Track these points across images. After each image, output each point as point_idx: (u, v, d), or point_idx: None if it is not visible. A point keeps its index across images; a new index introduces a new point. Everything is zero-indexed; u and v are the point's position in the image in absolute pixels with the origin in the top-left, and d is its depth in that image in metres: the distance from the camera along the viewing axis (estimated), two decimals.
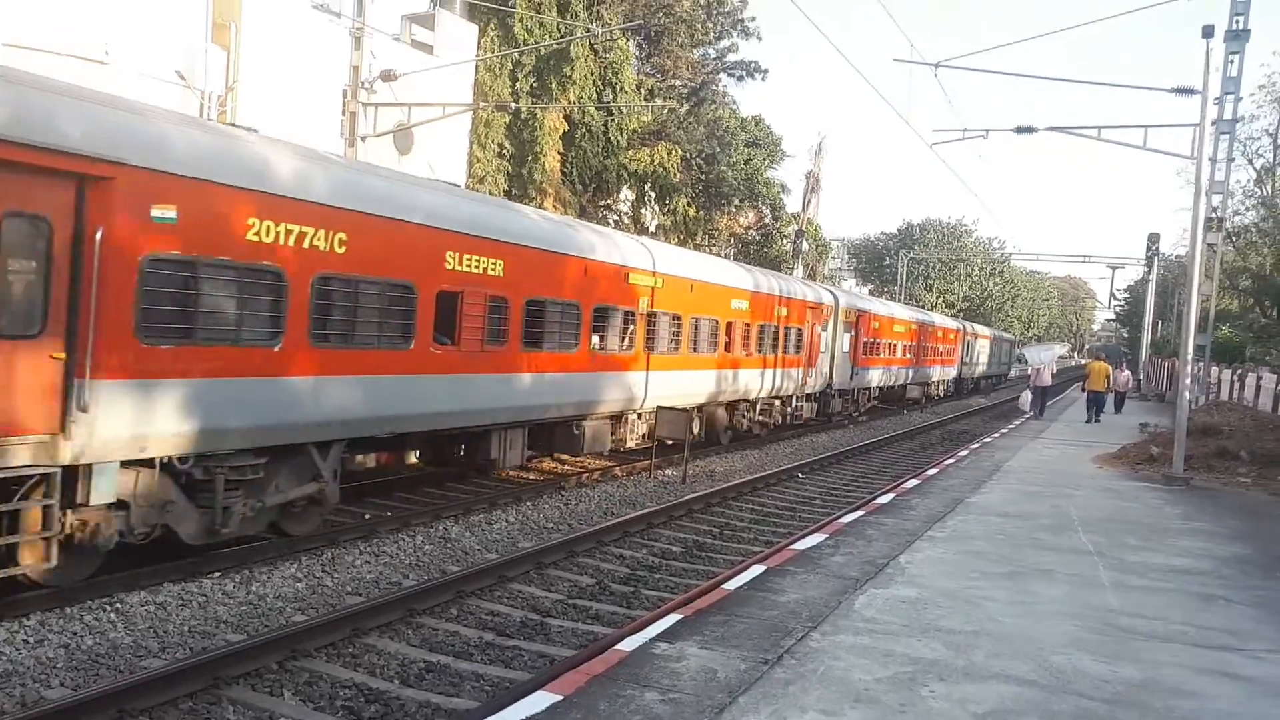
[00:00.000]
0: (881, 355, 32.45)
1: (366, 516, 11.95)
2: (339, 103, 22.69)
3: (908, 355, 36.28)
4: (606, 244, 15.59)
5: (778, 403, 23.88)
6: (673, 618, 6.93)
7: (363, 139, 21.95)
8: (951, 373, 45.34)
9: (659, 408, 17.35)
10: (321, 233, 9.53)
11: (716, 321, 19.32)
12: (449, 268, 11.44)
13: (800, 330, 24.32)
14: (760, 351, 21.73)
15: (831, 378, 27.42)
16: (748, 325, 20.88)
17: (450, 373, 11.56)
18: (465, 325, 11.72)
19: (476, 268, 11.88)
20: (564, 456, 16.77)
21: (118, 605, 8.06)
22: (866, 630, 6.81)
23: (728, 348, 19.89)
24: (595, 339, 14.97)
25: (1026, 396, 32.64)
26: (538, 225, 13.86)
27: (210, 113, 20.41)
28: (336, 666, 7.29)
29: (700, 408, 19.31)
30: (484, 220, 12.34)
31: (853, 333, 29.05)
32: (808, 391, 25.71)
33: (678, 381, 17.79)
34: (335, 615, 8.00)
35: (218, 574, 9.14)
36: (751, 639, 6.46)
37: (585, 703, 5.23)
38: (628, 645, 6.25)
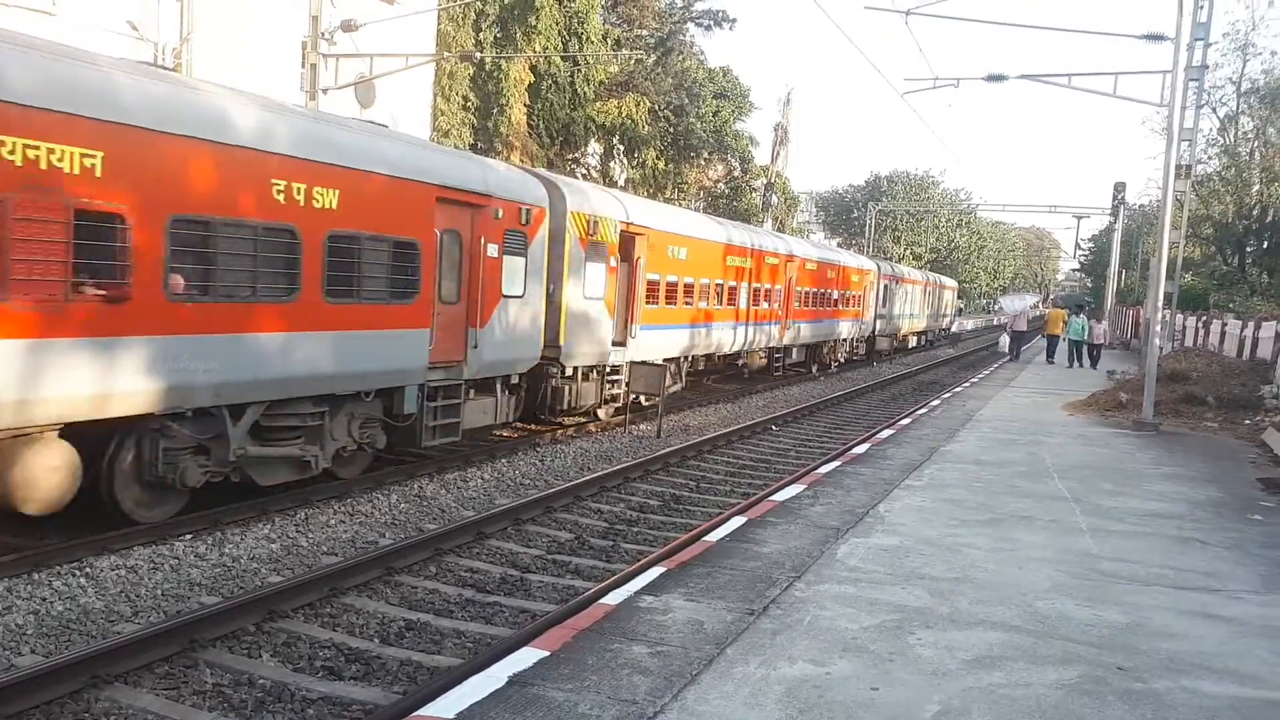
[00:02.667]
0: (676, 304, 18.95)
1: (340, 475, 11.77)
2: (298, 54, 22.09)
3: (761, 304, 23.88)
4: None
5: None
6: (656, 570, 6.87)
7: (324, 91, 21.39)
8: (859, 328, 33.98)
9: (632, 363, 17.23)
10: None
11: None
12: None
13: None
14: None
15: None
16: None
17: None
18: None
19: None
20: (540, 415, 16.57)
21: (87, 570, 7.87)
22: (850, 579, 6.79)
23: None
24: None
25: (1004, 340, 38.97)
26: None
27: (166, 64, 19.77)
28: (315, 627, 7.18)
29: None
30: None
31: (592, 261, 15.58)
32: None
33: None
34: (312, 575, 7.87)
35: (189, 536, 8.95)
36: (736, 590, 6.41)
37: (572, 657, 5.15)
38: (612, 599, 6.18)
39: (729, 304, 21.49)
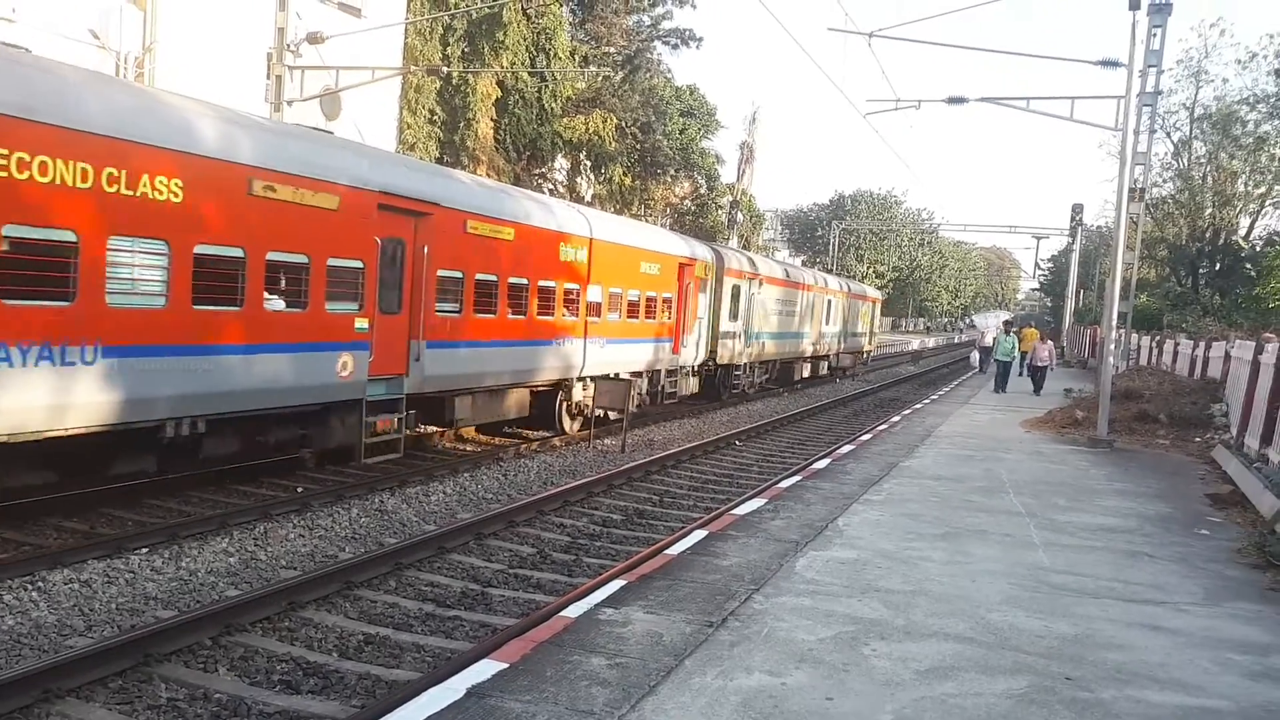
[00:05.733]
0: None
1: (299, 490, 11.71)
2: (264, 66, 21.99)
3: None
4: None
5: None
6: (617, 583, 6.90)
7: (289, 103, 21.32)
8: (656, 356, 19.97)
9: (594, 378, 17.32)
10: None
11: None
12: None
13: None
14: None
15: None
16: None
17: None
18: None
19: None
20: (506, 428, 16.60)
21: (39, 584, 7.77)
22: (808, 592, 6.87)
23: None
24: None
25: (975, 356, 36.32)
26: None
27: (128, 74, 19.61)
28: (273, 641, 7.13)
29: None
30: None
31: None
32: None
33: None
34: (270, 589, 7.82)
35: (145, 550, 8.85)
36: (695, 602, 6.47)
37: (532, 669, 5.18)
38: (572, 612, 6.21)
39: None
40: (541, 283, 15.25)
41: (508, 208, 14.68)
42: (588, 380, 17.17)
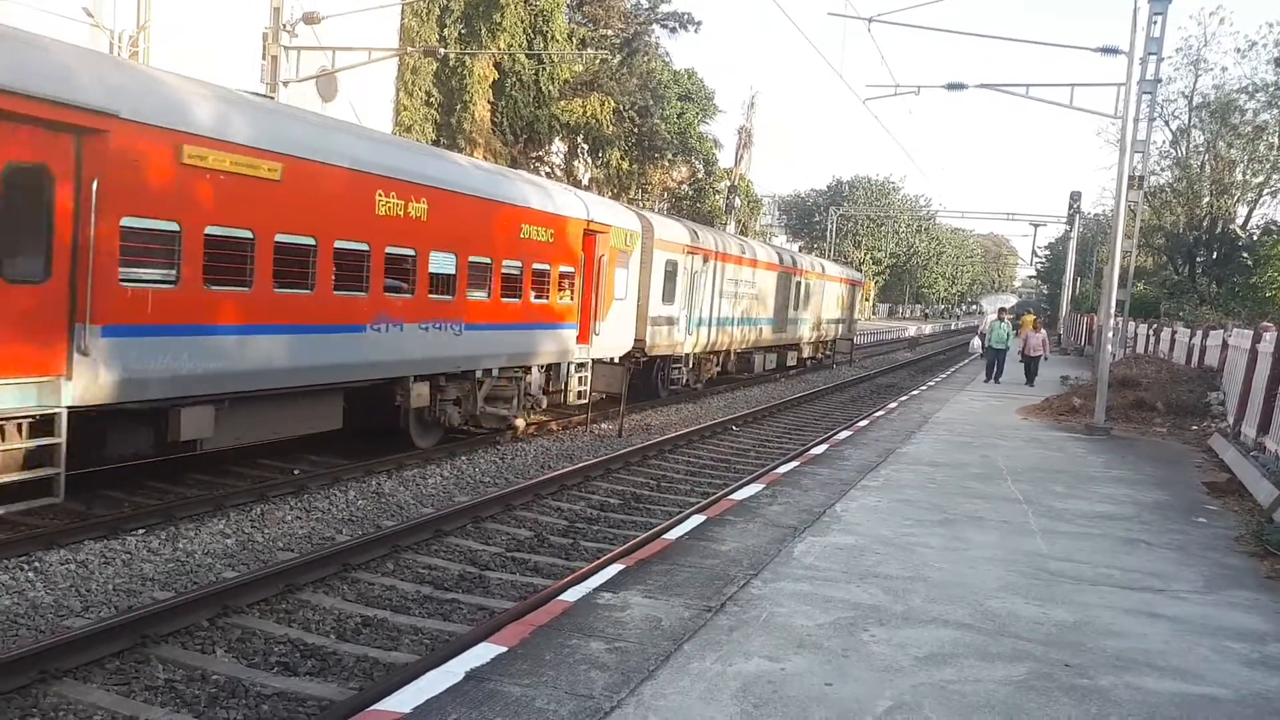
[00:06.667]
0: None
1: (295, 472, 11.68)
2: (259, 46, 21.82)
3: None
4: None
5: None
6: (615, 568, 6.90)
7: (284, 84, 21.18)
8: (587, 348, 16.94)
9: (594, 361, 17.26)
10: None
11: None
12: None
13: None
14: None
15: None
16: None
17: None
18: None
19: None
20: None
21: (35, 564, 7.74)
22: (806, 577, 6.87)
23: None
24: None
25: (975, 343, 33.24)
26: None
27: (122, 53, 19.46)
28: (270, 623, 7.12)
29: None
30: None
31: None
32: None
33: None
34: (267, 571, 7.80)
35: (141, 531, 8.83)
36: (694, 587, 6.46)
37: (530, 653, 5.17)
38: (571, 595, 6.20)
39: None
40: (341, 244, 10.97)
41: (276, 131, 10.27)
42: (441, 379, 13.19)
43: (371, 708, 4.61)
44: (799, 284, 30.86)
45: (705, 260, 22.67)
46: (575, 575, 7.66)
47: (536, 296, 14.99)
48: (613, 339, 17.92)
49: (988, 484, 10.99)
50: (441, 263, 12.77)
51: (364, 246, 11.35)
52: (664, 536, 7.95)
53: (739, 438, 17.51)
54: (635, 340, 19.11)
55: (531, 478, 12.42)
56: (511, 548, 9.51)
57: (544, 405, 15.87)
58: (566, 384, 16.59)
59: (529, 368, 15.13)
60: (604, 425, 17.37)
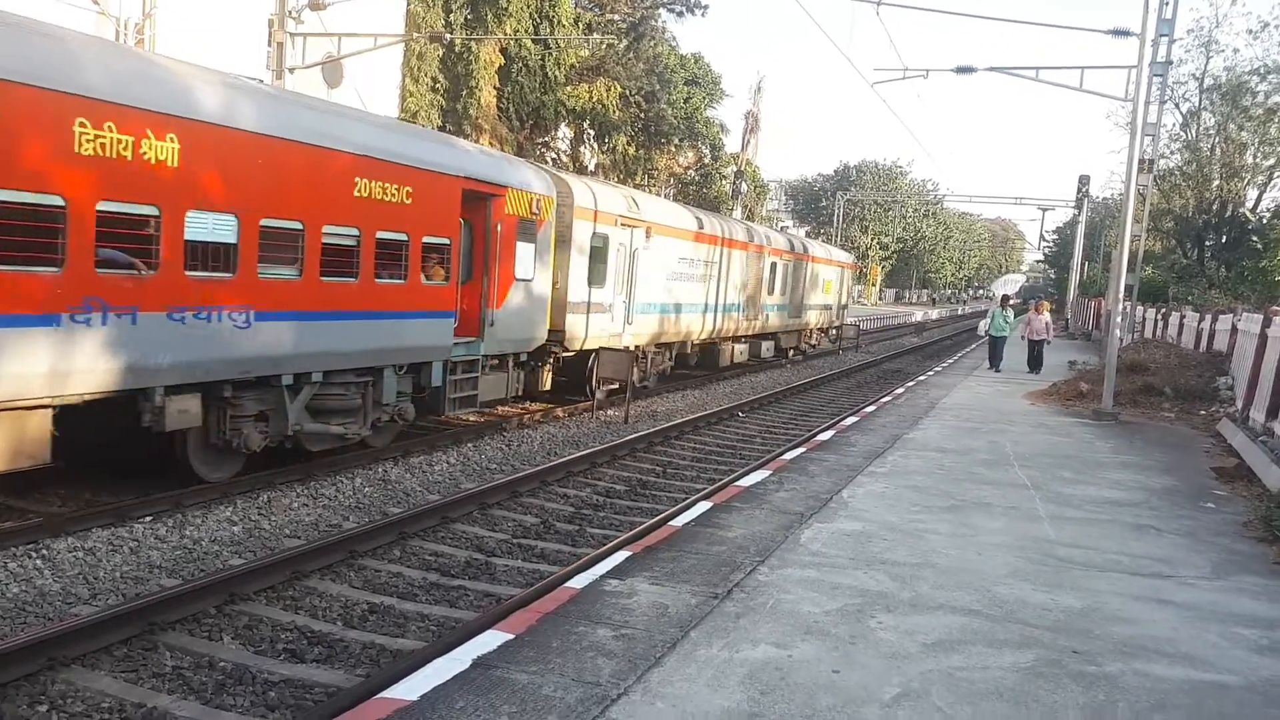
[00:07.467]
0: None
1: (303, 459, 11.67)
2: (264, 32, 21.76)
3: None
4: None
5: None
6: (622, 554, 6.89)
7: (290, 70, 21.13)
8: (477, 343, 13.48)
9: (600, 348, 17.22)
10: None
11: None
12: None
13: None
14: None
15: None
16: None
17: None
18: None
19: None
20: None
21: (44, 552, 7.77)
22: (813, 564, 6.86)
23: None
24: None
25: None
26: None
27: (128, 40, 19.43)
28: (277, 610, 7.13)
29: None
30: None
31: None
32: None
33: None
34: (274, 558, 7.81)
35: (149, 518, 8.85)
36: (701, 574, 6.45)
37: (537, 640, 5.16)
38: (578, 583, 6.19)
39: None
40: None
41: None
42: (226, 389, 9.65)
43: (378, 695, 4.61)
44: (775, 265, 27.52)
45: (649, 235, 19.08)
46: (582, 562, 7.65)
47: (385, 275, 11.41)
48: (514, 330, 14.33)
49: (995, 470, 10.95)
50: (210, 227, 9.19)
51: (54, 201, 7.77)
52: (671, 523, 7.94)
53: (745, 424, 17.48)
54: (551, 331, 15.63)
55: (538, 464, 12.41)
56: (518, 534, 9.52)
57: (410, 416, 12.38)
58: (444, 389, 12.76)
59: (380, 369, 11.57)
60: (611, 411, 17.36)
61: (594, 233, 16.91)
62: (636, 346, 18.93)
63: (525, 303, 14.53)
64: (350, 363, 11.09)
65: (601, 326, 17.47)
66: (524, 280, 14.39)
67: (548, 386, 16.35)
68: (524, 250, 14.33)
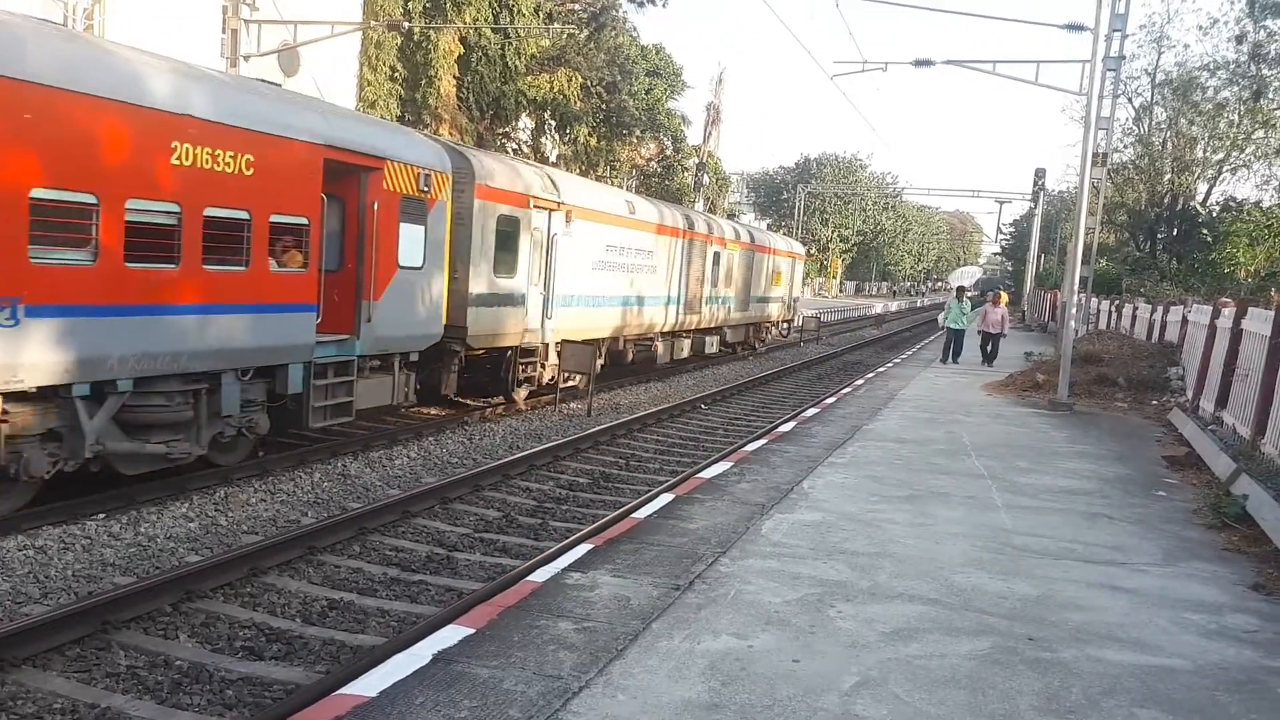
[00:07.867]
0: None
1: (260, 454, 11.54)
2: (218, 19, 21.40)
3: None
4: None
5: None
6: (584, 547, 6.89)
7: (245, 58, 20.80)
8: (351, 342, 11.61)
9: (564, 341, 17.15)
10: None
11: None
12: None
13: None
14: None
15: None
16: None
17: None
18: None
19: None
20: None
21: None
22: (774, 554, 6.90)
23: None
24: None
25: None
26: None
27: (76, 25, 18.99)
28: (235, 607, 7.04)
29: None
30: None
31: None
32: None
33: None
34: (231, 554, 7.71)
35: (102, 515, 8.70)
36: (663, 566, 6.47)
37: (498, 634, 5.15)
38: (539, 576, 6.18)
39: None
40: None
41: None
42: None
43: (338, 691, 4.57)
44: (720, 255, 26.04)
45: (569, 219, 17.10)
46: (544, 555, 7.65)
47: (218, 261, 9.49)
48: (399, 326, 12.38)
49: (953, 460, 11.09)
50: None
51: None
52: (633, 516, 7.95)
53: (708, 416, 17.55)
54: (450, 328, 13.82)
55: (499, 458, 12.37)
56: (480, 529, 9.48)
57: (263, 429, 10.62)
58: (307, 396, 10.83)
59: (217, 374, 9.70)
60: (573, 405, 17.33)
61: (501, 215, 14.93)
62: (559, 344, 17.22)
63: (413, 295, 12.56)
64: (173, 366, 9.11)
65: (515, 322, 15.62)
66: (411, 268, 12.42)
67: (452, 391, 14.83)
68: (410, 233, 12.32)
